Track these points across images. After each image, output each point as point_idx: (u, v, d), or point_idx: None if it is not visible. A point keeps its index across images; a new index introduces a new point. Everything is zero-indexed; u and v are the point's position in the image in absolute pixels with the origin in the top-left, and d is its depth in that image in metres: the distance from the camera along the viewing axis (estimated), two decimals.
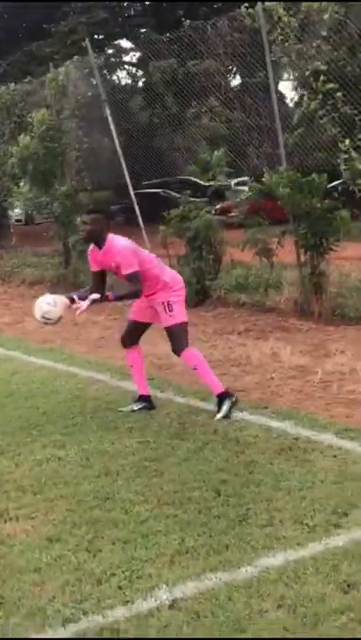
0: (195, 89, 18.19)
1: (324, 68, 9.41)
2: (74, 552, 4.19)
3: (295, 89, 9.69)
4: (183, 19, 32.44)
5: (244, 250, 10.78)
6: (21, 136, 14.38)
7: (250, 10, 9.99)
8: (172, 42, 15.44)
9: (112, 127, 12.63)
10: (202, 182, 22.26)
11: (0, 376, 8.30)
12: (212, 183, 14.87)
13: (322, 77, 9.38)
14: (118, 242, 6.38)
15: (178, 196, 36.56)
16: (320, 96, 9.40)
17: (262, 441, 5.74)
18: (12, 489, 5.14)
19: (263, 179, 10.08)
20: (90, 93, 14.05)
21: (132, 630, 3.42)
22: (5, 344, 9.95)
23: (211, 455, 5.52)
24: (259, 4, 9.72)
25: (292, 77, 11.16)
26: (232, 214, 11.94)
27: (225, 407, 6.36)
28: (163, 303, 6.43)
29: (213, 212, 15.44)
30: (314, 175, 9.52)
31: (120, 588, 3.79)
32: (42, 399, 7.27)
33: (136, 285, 6.29)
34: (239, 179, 30.44)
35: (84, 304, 6.18)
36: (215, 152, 10.64)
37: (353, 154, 9.24)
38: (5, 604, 3.72)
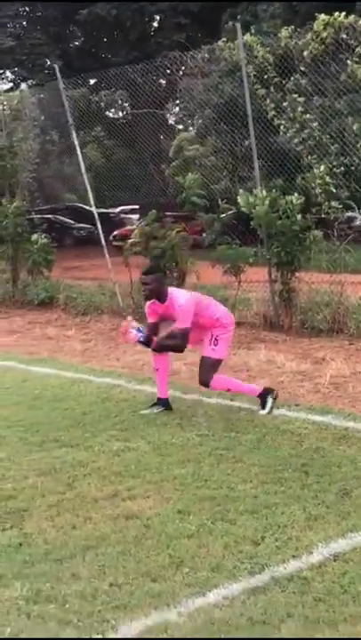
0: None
1: (301, 99, 10.16)
2: (212, 521, 4.61)
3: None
4: None
5: (214, 267, 11.36)
6: None
7: (229, 43, 10.68)
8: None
9: (79, 152, 12.98)
10: (88, 208, 22.75)
11: (9, 384, 8.49)
12: (100, 210, 15.19)
13: (299, 108, 10.15)
14: (180, 297, 6.84)
15: (69, 221, 36.50)
16: (297, 125, 10.16)
17: (314, 432, 6.31)
18: (109, 474, 5.48)
19: (238, 199, 10.69)
20: (42, 118, 14.40)
21: (318, 577, 3.90)
22: None
23: (275, 444, 6.04)
24: (239, 37, 10.40)
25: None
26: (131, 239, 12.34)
27: (269, 403, 6.91)
28: (211, 334, 6.88)
29: (112, 237, 16.15)
30: (293, 196, 10.24)
31: (278, 547, 4.26)
32: (73, 402, 7.58)
33: (182, 341, 6.79)
34: (125, 207, 31.15)
35: (133, 337, 6.97)
36: (189, 174, 11.17)
37: (327, 179, 10.00)
38: (185, 561, 4.12)
